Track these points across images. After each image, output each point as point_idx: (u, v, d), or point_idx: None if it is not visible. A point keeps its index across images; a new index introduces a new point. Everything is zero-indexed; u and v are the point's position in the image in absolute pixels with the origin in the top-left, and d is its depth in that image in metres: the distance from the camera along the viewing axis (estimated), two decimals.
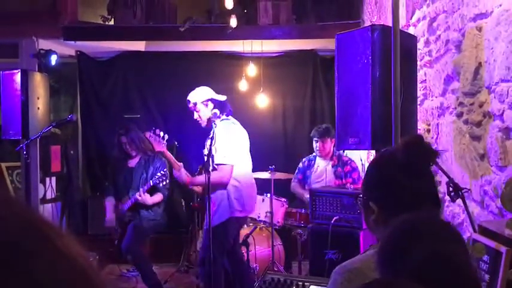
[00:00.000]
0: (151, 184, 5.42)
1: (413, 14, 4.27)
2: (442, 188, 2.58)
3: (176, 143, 7.03)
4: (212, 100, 4.77)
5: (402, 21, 4.23)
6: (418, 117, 3.67)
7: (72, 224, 7.46)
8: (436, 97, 3.75)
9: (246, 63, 7.28)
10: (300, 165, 6.25)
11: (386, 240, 1.33)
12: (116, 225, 5.72)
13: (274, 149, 7.36)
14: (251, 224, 5.88)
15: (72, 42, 6.89)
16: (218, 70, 7.41)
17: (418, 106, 3.70)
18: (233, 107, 4.95)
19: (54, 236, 0.60)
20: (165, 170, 5.49)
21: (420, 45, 3.95)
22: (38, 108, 5.67)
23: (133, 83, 7.67)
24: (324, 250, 4.47)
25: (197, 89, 4.89)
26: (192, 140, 6.60)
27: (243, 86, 7.12)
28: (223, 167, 4.58)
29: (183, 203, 7.23)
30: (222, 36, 6.71)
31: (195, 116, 4.80)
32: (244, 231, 5.48)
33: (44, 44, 6.64)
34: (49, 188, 7.14)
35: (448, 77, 3.46)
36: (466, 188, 2.48)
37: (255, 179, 5.05)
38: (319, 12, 7.06)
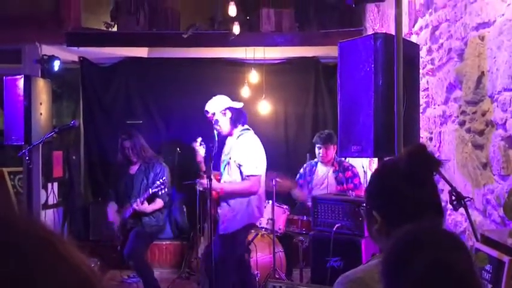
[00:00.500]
0: (151, 193, 5.42)
1: (415, 22, 4.28)
2: (445, 197, 2.58)
3: (178, 149, 7.04)
4: (230, 108, 4.80)
5: (405, 29, 4.23)
6: (421, 126, 3.67)
7: (73, 229, 7.46)
8: (438, 105, 3.75)
9: (248, 70, 7.29)
10: (301, 170, 6.25)
11: (390, 251, 1.33)
12: (118, 231, 5.71)
13: (276, 156, 7.35)
14: (252, 231, 5.87)
15: (75, 48, 6.90)
16: (220, 77, 7.42)
17: (420, 114, 3.71)
18: None
19: (57, 244, 0.60)
20: (163, 178, 5.48)
21: (423, 53, 3.95)
22: (41, 113, 5.68)
23: (135, 89, 7.68)
24: (325, 257, 4.46)
25: (214, 98, 4.92)
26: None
27: (245, 92, 7.12)
28: (253, 177, 4.70)
29: (185, 210, 7.23)
30: (225, 43, 6.72)
31: (215, 125, 4.82)
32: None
33: (47, 50, 6.66)
34: (51, 193, 7.14)
35: (451, 86, 3.46)
36: (468, 197, 2.48)
37: None
38: (322, 20, 7.08)
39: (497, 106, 2.75)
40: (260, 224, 5.78)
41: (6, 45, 6.61)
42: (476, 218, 2.98)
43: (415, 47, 3.61)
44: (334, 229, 4.51)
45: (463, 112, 3.25)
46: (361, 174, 6.02)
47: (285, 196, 6.16)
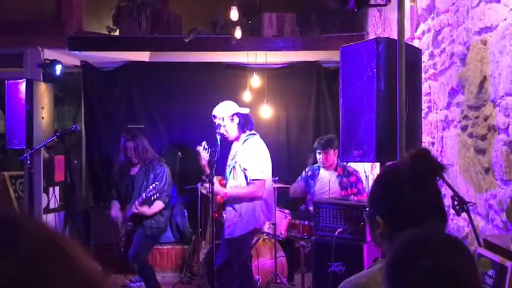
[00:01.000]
0: (144, 197, 5.40)
1: (417, 26, 4.28)
2: (447, 202, 2.57)
3: (180, 153, 7.04)
4: (237, 114, 4.82)
5: (407, 34, 4.23)
6: (423, 130, 3.67)
7: (75, 234, 7.45)
8: (440, 110, 3.75)
9: (250, 75, 7.30)
10: (303, 173, 6.25)
11: (392, 256, 1.32)
12: (121, 233, 5.70)
13: (278, 161, 7.33)
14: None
15: (77, 52, 6.92)
16: (222, 81, 7.43)
17: (422, 119, 3.70)
18: None
19: (66, 247, 0.60)
20: (156, 183, 5.44)
21: (425, 58, 3.95)
22: (43, 117, 5.69)
23: (137, 93, 7.68)
24: (327, 262, 4.44)
25: (222, 103, 4.94)
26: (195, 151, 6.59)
27: (247, 97, 7.13)
28: (258, 182, 4.71)
29: (186, 214, 7.22)
30: (227, 47, 6.73)
31: (221, 130, 4.80)
32: None
33: (49, 54, 6.66)
34: (52, 197, 7.14)
35: (453, 90, 3.45)
36: (471, 202, 2.47)
37: None
38: (323, 24, 7.08)
39: (500, 111, 2.74)
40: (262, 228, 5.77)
41: (8, 49, 6.62)
42: (479, 223, 2.97)
43: (417, 52, 3.61)
44: (336, 234, 4.50)
45: (465, 117, 3.24)
46: (363, 179, 6.02)
47: (285, 200, 6.16)
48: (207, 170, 4.92)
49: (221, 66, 7.63)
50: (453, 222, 3.39)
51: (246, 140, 4.83)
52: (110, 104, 7.66)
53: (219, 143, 4.72)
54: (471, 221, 2.46)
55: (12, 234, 0.58)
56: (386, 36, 5.02)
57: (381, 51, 3.15)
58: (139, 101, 7.69)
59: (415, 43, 4.26)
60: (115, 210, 5.77)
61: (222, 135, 4.78)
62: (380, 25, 5.68)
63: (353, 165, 6.18)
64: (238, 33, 6.44)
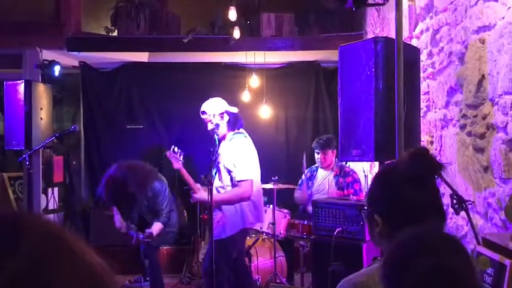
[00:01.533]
0: (141, 239, 5.34)
1: (416, 25, 4.28)
2: (446, 200, 2.57)
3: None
4: (228, 112, 4.75)
5: (405, 33, 4.24)
6: (421, 129, 3.67)
7: (74, 234, 7.43)
8: (439, 109, 3.75)
9: (249, 75, 7.30)
10: (303, 177, 6.24)
11: (391, 254, 1.32)
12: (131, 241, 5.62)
13: (277, 160, 7.36)
14: (253, 235, 5.86)
15: (76, 53, 6.91)
16: (221, 81, 7.42)
17: (421, 118, 3.70)
18: None
19: (72, 244, 0.60)
20: (146, 233, 5.33)
21: (423, 57, 3.95)
22: (41, 118, 5.68)
23: (136, 94, 7.67)
24: (326, 262, 4.44)
25: (211, 100, 4.82)
26: (195, 151, 6.59)
27: (245, 97, 7.13)
28: (244, 182, 4.59)
29: (186, 214, 7.22)
30: (225, 47, 6.73)
31: (210, 127, 4.69)
32: (247, 242, 5.45)
33: (47, 55, 6.66)
34: (51, 198, 7.13)
35: (451, 89, 3.46)
36: (469, 201, 2.47)
37: None
38: (322, 24, 7.09)
39: (498, 109, 2.75)
40: (261, 228, 5.77)
41: (6, 50, 6.62)
42: (478, 222, 2.97)
43: (416, 51, 3.61)
44: (335, 233, 4.51)
45: (463, 116, 3.25)
46: (362, 178, 6.02)
47: (285, 200, 6.16)
48: (186, 176, 4.85)
49: (220, 67, 7.63)
50: (452, 221, 3.39)
51: (231, 139, 4.71)
52: (108, 104, 7.66)
53: (217, 142, 4.67)
54: (470, 219, 2.46)
55: (11, 232, 0.58)
56: (384, 35, 5.03)
57: (379, 50, 3.15)
58: (138, 102, 7.68)
59: (414, 42, 4.26)
60: (118, 220, 5.69)
61: (212, 131, 4.68)
62: (378, 24, 5.69)
63: (352, 164, 6.18)
64: (236, 34, 6.44)
